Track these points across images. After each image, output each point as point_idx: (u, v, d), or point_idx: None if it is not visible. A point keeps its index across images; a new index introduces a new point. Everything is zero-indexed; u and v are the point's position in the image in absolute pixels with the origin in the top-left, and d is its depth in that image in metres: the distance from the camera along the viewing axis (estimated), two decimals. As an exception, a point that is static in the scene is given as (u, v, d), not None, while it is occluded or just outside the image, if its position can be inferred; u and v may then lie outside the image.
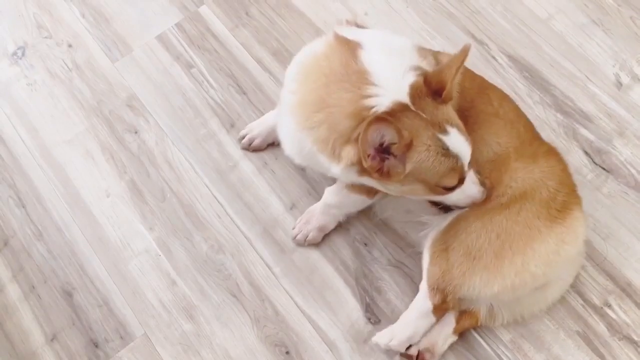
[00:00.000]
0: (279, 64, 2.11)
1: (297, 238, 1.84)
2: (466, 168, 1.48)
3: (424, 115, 1.39)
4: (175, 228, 1.92)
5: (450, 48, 2.05)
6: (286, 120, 1.54)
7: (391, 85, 1.39)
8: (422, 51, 1.57)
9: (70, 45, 2.21)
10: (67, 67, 2.18)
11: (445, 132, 1.40)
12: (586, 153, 1.94)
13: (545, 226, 1.55)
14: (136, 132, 2.06)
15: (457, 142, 1.42)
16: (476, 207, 1.59)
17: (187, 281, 1.84)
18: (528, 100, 2.01)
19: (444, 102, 1.42)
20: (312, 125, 1.44)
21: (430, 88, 1.41)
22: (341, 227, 1.87)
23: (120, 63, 2.17)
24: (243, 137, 1.98)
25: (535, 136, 1.69)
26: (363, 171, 1.43)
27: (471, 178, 1.54)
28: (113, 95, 2.12)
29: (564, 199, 1.59)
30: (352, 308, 1.78)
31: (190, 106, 2.08)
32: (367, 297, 1.80)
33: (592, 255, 1.80)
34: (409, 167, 1.40)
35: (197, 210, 1.93)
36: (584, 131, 1.96)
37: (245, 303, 1.80)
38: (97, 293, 1.84)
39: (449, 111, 1.43)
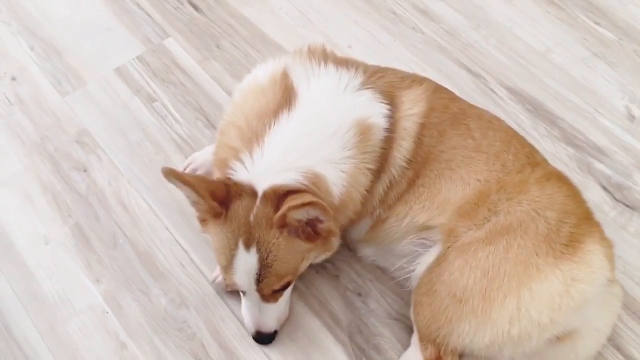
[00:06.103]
0: (254, 96, 1.87)
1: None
2: (243, 288, 1.37)
3: (250, 217, 1.30)
4: (128, 280, 1.58)
5: (443, 81, 1.84)
6: None
7: (262, 172, 1.30)
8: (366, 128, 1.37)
9: (13, 79, 1.94)
10: (8, 100, 1.89)
11: (247, 247, 1.31)
12: (605, 189, 1.71)
13: (548, 263, 1.29)
14: (85, 171, 1.76)
15: (244, 265, 1.32)
16: (455, 245, 1.36)
17: (140, 343, 1.49)
18: (534, 133, 1.80)
19: (274, 225, 1.30)
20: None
21: (274, 204, 1.30)
22: (329, 274, 1.57)
23: (71, 97, 1.90)
24: (185, 168, 1.72)
25: (530, 162, 1.44)
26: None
27: (254, 305, 1.40)
28: (60, 130, 1.83)
29: (571, 230, 1.34)
30: (346, 371, 1.45)
31: (151, 142, 1.80)
32: (363, 357, 1.47)
33: (626, 303, 1.53)
34: (209, 230, 1.36)
35: (155, 258, 1.61)
36: (599, 165, 1.75)
37: (212, 369, 1.46)
38: (25, 361, 1.47)
39: (270, 236, 1.30)
